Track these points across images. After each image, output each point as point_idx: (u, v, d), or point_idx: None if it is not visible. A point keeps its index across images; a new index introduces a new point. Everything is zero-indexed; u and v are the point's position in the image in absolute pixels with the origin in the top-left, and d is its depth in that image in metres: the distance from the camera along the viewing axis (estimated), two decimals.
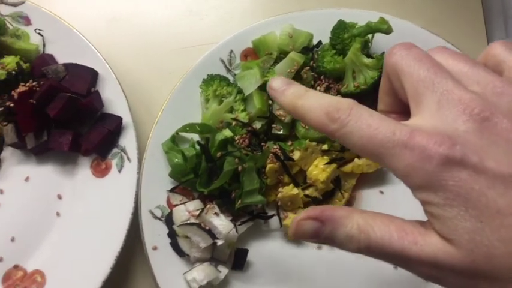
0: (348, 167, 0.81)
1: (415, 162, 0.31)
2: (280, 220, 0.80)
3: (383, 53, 0.78)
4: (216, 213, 0.74)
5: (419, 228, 0.34)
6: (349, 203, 0.83)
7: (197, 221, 0.75)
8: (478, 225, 0.30)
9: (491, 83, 0.34)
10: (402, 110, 0.39)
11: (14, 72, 0.79)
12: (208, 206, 0.75)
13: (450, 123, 0.32)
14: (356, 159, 0.81)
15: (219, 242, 0.74)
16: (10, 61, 0.80)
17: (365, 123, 0.34)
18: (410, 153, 0.32)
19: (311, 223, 0.37)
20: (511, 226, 0.30)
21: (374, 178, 0.83)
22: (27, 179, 0.83)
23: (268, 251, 0.81)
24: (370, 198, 0.83)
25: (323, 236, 0.37)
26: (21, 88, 0.78)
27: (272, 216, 0.80)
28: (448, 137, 0.31)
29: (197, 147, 0.79)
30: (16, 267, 0.80)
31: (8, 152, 0.84)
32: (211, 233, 0.74)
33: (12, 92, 0.78)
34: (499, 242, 0.30)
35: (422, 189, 0.32)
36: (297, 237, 0.39)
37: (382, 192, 0.83)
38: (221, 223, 0.74)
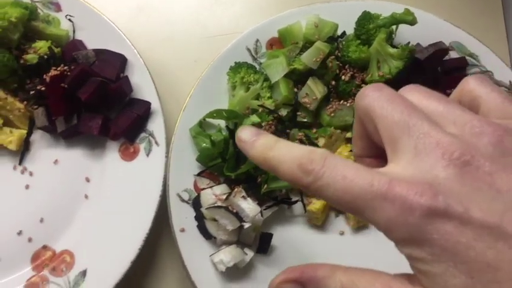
0: None
1: (397, 215, 0.29)
2: (304, 206, 0.81)
3: (408, 42, 0.79)
4: (243, 197, 0.76)
5: (406, 285, 0.31)
6: None
7: (224, 204, 0.77)
8: (469, 281, 0.28)
9: (469, 123, 0.32)
10: (378, 154, 0.37)
11: (45, 57, 0.81)
12: (236, 189, 0.76)
13: (429, 170, 0.30)
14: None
15: (246, 225, 0.76)
16: (42, 45, 0.81)
17: (340, 175, 0.31)
18: (390, 206, 0.29)
19: (291, 287, 0.36)
20: (504, 281, 0.28)
21: None
22: (56, 162, 0.85)
23: (291, 235, 0.82)
24: None
25: None
26: (53, 72, 0.80)
27: (296, 201, 0.82)
28: (428, 186, 0.29)
29: (224, 132, 0.80)
30: (45, 247, 0.82)
31: (37, 135, 0.86)
32: (238, 215, 0.75)
33: (44, 76, 0.80)
34: None
35: (406, 244, 0.30)
36: None
37: None
38: (248, 206, 0.75)
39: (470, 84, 0.35)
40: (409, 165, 0.31)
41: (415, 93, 0.34)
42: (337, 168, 0.32)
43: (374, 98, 0.34)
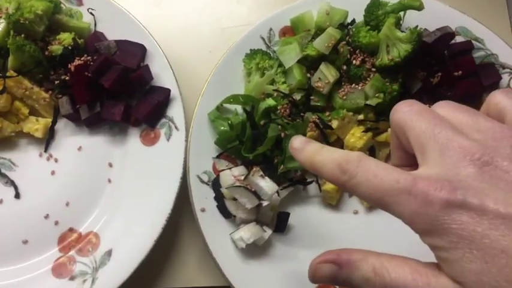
0: (382, 137, 0.86)
1: (419, 208, 0.33)
2: (319, 185, 0.85)
3: (416, 26, 0.83)
4: (261, 176, 0.79)
5: (432, 269, 0.35)
6: None
7: (243, 184, 0.80)
8: (484, 266, 0.31)
9: (491, 129, 0.35)
10: (413, 163, 0.40)
11: (70, 47, 0.85)
12: (254, 168, 0.79)
13: (452, 169, 0.33)
14: (390, 129, 0.86)
15: (265, 203, 0.79)
16: (66, 37, 0.85)
17: (372, 174, 0.36)
18: (413, 200, 0.33)
19: (328, 267, 0.39)
20: None
21: None
22: (79, 148, 0.88)
23: (307, 215, 0.85)
24: None
25: (341, 279, 0.39)
26: (77, 62, 0.84)
27: (311, 182, 0.85)
28: (448, 183, 0.33)
29: (241, 116, 0.84)
30: (71, 230, 0.85)
31: (61, 123, 0.89)
32: (257, 194, 0.79)
33: (69, 65, 0.84)
34: (507, 282, 0.30)
35: (428, 234, 0.33)
36: (315, 281, 0.42)
37: None
38: (266, 184, 0.78)
39: (496, 98, 0.39)
40: (434, 166, 0.35)
41: (445, 107, 0.39)
42: (370, 168, 0.36)
43: (405, 112, 0.39)
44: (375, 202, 0.36)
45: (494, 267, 0.30)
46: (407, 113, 0.38)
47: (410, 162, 0.41)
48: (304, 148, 0.43)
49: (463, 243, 0.31)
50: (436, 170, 0.34)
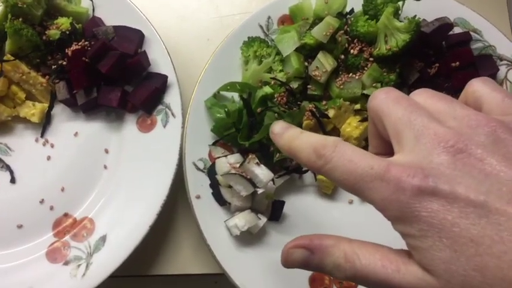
0: None
1: (390, 194, 0.33)
2: (315, 174, 0.85)
3: (415, 16, 0.82)
4: (257, 163, 0.79)
5: (403, 257, 0.35)
6: None
7: (238, 171, 0.80)
8: (453, 255, 0.31)
9: (467, 117, 0.35)
10: (390, 151, 0.40)
11: (67, 32, 0.85)
12: (250, 156, 0.79)
13: (426, 157, 0.33)
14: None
15: (260, 191, 0.79)
16: (64, 22, 0.85)
17: (347, 159, 0.36)
18: (386, 186, 0.33)
19: (301, 252, 0.40)
20: (485, 254, 0.30)
21: None
22: (76, 134, 0.88)
23: (302, 204, 0.85)
24: None
25: (313, 264, 0.39)
26: (75, 47, 0.84)
27: (307, 171, 0.85)
28: (421, 170, 0.33)
29: (237, 104, 0.84)
30: (66, 215, 0.85)
31: (58, 108, 0.89)
32: (252, 182, 0.79)
33: (66, 50, 0.84)
34: (475, 271, 0.30)
35: (399, 221, 0.33)
36: (288, 266, 0.42)
37: None
38: (262, 172, 0.78)
39: (473, 86, 0.39)
40: (409, 153, 0.35)
41: (422, 95, 0.39)
42: (346, 153, 0.36)
43: (382, 99, 0.38)
44: (349, 188, 0.36)
45: (463, 256, 0.31)
46: (384, 100, 0.38)
47: (387, 150, 0.41)
48: (284, 133, 0.43)
49: (433, 231, 0.31)
50: (410, 157, 0.34)
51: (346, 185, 0.36)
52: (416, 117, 0.35)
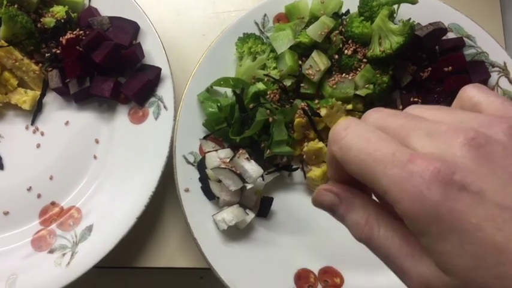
0: None
1: (412, 187, 0.29)
2: (305, 173, 0.85)
3: (409, 19, 0.83)
4: (247, 158, 0.79)
5: (421, 247, 0.32)
6: None
7: (228, 166, 0.80)
8: (474, 263, 0.28)
9: (476, 119, 0.32)
10: (352, 181, 0.37)
11: (62, 21, 0.84)
12: (240, 151, 0.79)
13: (446, 149, 0.30)
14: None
15: (249, 186, 0.79)
16: (59, 10, 0.85)
17: (365, 138, 0.32)
18: (408, 177, 0.29)
19: (331, 196, 0.38)
20: (508, 263, 0.27)
21: None
22: (67, 123, 0.88)
23: (291, 202, 0.85)
24: None
25: (337, 213, 0.38)
26: (69, 35, 0.84)
27: (297, 168, 0.85)
28: (447, 163, 0.29)
29: (229, 100, 0.84)
30: (53, 203, 0.85)
31: (50, 97, 0.89)
32: (241, 177, 0.79)
33: (61, 39, 0.84)
34: (496, 279, 0.28)
35: (415, 218, 0.30)
36: (315, 205, 0.39)
37: None
38: (252, 167, 0.78)
39: (469, 92, 0.36)
40: (427, 145, 0.31)
41: (417, 107, 0.36)
42: (362, 131, 0.33)
43: (377, 116, 0.35)
44: (362, 171, 0.32)
45: (484, 264, 0.28)
46: (380, 116, 0.35)
47: (350, 180, 0.37)
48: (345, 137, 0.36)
49: (454, 234, 0.28)
50: (429, 149, 0.31)
51: (361, 168, 0.32)
52: (421, 121, 0.32)
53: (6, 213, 0.83)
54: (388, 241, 0.33)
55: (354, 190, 0.38)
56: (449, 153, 0.30)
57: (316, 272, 0.81)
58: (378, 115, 0.35)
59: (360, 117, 0.79)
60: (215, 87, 0.87)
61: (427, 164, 0.29)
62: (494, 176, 0.29)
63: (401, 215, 0.31)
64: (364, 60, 0.86)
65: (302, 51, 0.87)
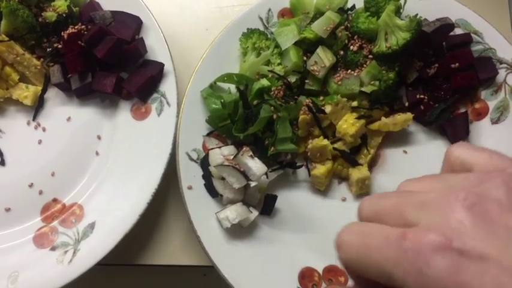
0: (374, 125, 0.85)
1: (411, 266, 0.28)
2: (309, 170, 0.84)
3: (416, 14, 0.82)
4: (251, 156, 0.78)
5: None
6: (374, 160, 0.87)
7: (232, 164, 0.79)
8: None
9: (465, 179, 0.31)
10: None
11: (64, 15, 0.83)
12: (244, 148, 0.79)
13: (440, 216, 0.29)
14: (383, 118, 0.85)
15: (252, 184, 0.78)
16: (61, 4, 0.84)
17: (357, 233, 0.32)
18: (404, 256, 0.28)
19: None
20: None
21: (398, 138, 0.87)
22: (69, 119, 0.87)
23: (295, 199, 0.85)
24: (394, 157, 0.87)
25: None
26: (71, 30, 0.82)
27: (301, 166, 0.84)
28: (443, 232, 0.27)
29: (233, 96, 0.83)
30: (55, 200, 0.84)
31: (52, 92, 0.88)
32: (245, 174, 0.78)
33: (62, 33, 0.82)
34: None
35: None
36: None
37: (405, 152, 0.87)
38: (255, 165, 0.77)
39: (454, 152, 0.35)
40: (422, 217, 0.30)
41: (405, 183, 0.35)
42: (354, 229, 0.32)
43: (372, 203, 0.34)
44: (369, 268, 0.31)
45: None
46: (372, 203, 0.34)
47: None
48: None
49: None
50: (424, 221, 0.29)
51: (365, 264, 0.31)
52: (411, 195, 0.32)
53: (7, 210, 0.83)
54: None
55: None
56: (445, 221, 0.28)
57: (320, 270, 0.80)
58: (369, 203, 0.34)
59: (364, 114, 0.79)
60: (219, 83, 0.85)
61: (420, 237, 0.28)
62: (495, 236, 0.27)
63: None
64: (370, 56, 0.84)
65: (307, 47, 0.86)
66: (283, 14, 0.90)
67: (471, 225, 0.27)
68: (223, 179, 0.79)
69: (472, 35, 0.87)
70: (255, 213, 0.80)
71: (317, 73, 0.84)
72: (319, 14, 0.86)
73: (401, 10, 0.86)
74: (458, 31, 0.88)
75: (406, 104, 0.87)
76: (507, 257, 0.26)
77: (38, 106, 0.87)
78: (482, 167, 0.33)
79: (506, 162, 0.33)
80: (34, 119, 0.87)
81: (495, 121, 0.85)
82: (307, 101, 0.83)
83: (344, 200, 0.85)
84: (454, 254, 0.27)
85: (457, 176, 0.32)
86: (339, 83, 0.84)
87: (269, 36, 0.87)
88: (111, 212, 0.80)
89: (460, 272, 0.26)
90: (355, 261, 0.32)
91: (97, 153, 0.85)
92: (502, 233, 0.27)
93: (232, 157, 0.79)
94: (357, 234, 0.32)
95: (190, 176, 0.81)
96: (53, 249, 0.79)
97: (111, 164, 0.84)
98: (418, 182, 0.34)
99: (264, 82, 0.82)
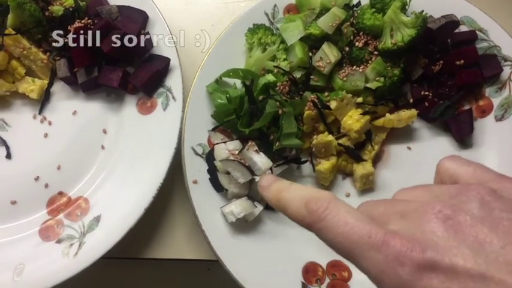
0: (379, 121, 0.85)
1: (389, 268, 0.31)
2: (313, 166, 0.84)
3: (422, 11, 0.82)
4: (256, 150, 0.79)
5: None
6: (378, 156, 0.87)
7: (237, 158, 0.79)
8: None
9: (447, 191, 0.34)
10: None
11: (71, 9, 0.84)
12: (249, 143, 0.79)
13: (417, 226, 0.32)
14: (388, 114, 0.85)
15: (257, 178, 0.78)
16: None
17: (342, 220, 0.34)
18: (384, 259, 0.31)
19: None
20: None
21: (402, 134, 0.88)
22: (75, 113, 0.87)
23: None
24: (398, 153, 0.87)
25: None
26: (77, 24, 0.83)
27: (306, 161, 0.85)
28: (417, 242, 0.30)
29: (239, 91, 0.83)
30: (61, 193, 0.84)
31: (58, 86, 0.89)
32: (250, 169, 0.78)
33: (69, 27, 0.83)
34: None
35: None
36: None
37: (409, 148, 0.88)
38: (261, 159, 0.78)
39: (444, 165, 0.38)
40: (401, 226, 0.33)
41: (400, 192, 0.38)
42: (340, 213, 0.34)
43: (366, 205, 0.37)
44: (342, 252, 0.34)
45: None
46: (364, 207, 0.37)
47: None
48: (272, 185, 0.41)
49: None
50: (403, 229, 0.32)
51: (340, 249, 0.34)
52: (398, 204, 0.34)
53: (13, 203, 0.83)
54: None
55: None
56: (420, 231, 0.31)
57: (324, 265, 0.80)
58: (363, 209, 0.37)
59: (369, 110, 0.79)
60: (224, 79, 0.86)
61: (400, 246, 0.31)
62: (464, 247, 0.30)
63: None
64: (375, 52, 0.85)
65: (312, 42, 0.86)
66: (288, 9, 0.90)
67: (444, 236, 0.30)
68: (228, 173, 0.80)
69: (477, 32, 0.87)
70: (259, 207, 0.80)
71: (322, 69, 0.84)
72: (324, 10, 0.86)
73: (406, 7, 0.86)
74: (463, 28, 0.88)
75: (411, 101, 0.87)
76: (475, 266, 0.29)
77: (44, 100, 0.87)
78: (467, 179, 0.37)
79: (488, 175, 0.36)
80: (40, 112, 0.88)
81: (499, 118, 0.86)
82: (312, 96, 0.84)
83: (348, 195, 0.86)
84: (426, 262, 0.30)
85: (442, 187, 0.35)
86: (344, 79, 0.85)
87: (275, 31, 0.88)
88: (116, 205, 0.81)
89: (430, 279, 0.30)
90: (327, 242, 0.35)
91: (103, 147, 0.86)
92: (471, 244, 0.30)
93: (237, 152, 0.80)
94: (341, 222, 0.34)
95: (195, 170, 0.82)
96: (59, 242, 0.80)
97: (116, 158, 0.84)
98: (409, 191, 0.37)
99: (270, 78, 0.82)
